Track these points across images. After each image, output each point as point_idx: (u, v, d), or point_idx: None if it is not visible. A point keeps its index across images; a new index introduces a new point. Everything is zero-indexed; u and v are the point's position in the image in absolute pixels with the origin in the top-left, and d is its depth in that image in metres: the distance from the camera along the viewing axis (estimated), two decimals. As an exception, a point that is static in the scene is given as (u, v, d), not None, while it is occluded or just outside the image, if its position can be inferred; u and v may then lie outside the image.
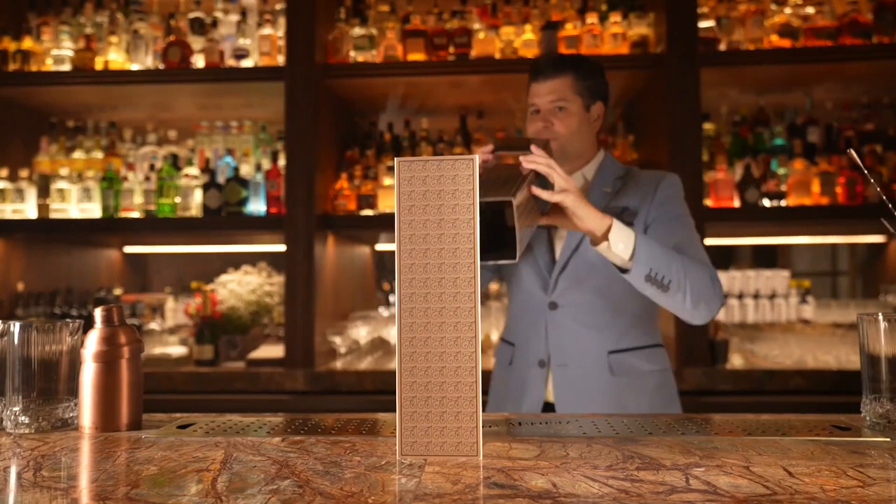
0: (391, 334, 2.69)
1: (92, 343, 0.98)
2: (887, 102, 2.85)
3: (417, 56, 2.67)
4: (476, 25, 2.72)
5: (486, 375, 1.73)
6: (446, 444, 0.83)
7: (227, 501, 0.65)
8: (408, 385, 0.84)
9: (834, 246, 3.36)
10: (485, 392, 1.73)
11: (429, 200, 0.86)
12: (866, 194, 2.56)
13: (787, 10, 2.64)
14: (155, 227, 2.73)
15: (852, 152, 1.02)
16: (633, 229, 1.41)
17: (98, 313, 0.99)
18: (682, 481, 0.72)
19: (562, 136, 1.56)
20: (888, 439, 0.91)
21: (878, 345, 0.97)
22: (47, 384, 0.99)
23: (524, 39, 2.66)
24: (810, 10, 2.62)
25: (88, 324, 0.99)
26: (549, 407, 1.58)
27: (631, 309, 1.59)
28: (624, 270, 1.41)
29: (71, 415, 1.01)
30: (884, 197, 1.05)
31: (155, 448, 0.87)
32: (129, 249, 3.57)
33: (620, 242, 1.37)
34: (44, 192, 2.78)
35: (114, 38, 2.80)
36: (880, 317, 0.97)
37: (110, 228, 2.77)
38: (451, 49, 2.67)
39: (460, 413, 0.84)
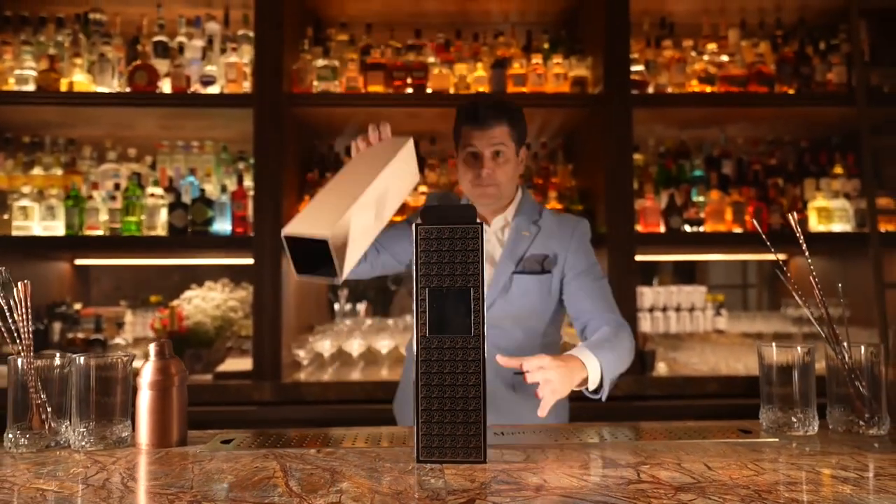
0: (352, 346, 2.89)
1: (147, 373, 1.16)
2: (788, 141, 3.28)
3: (377, 88, 2.88)
4: (431, 59, 2.96)
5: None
6: (457, 449, 1.05)
7: (309, 499, 0.86)
8: (424, 400, 1.06)
9: (744, 263, 3.79)
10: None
11: (443, 255, 1.09)
12: (770, 222, 2.96)
13: (706, 58, 3.01)
14: (122, 245, 2.82)
15: (756, 225, 1.31)
16: (594, 357, 1.44)
17: (152, 348, 1.18)
18: (635, 475, 0.98)
19: (502, 184, 1.71)
20: (777, 440, 1.21)
21: (772, 365, 1.27)
22: (105, 408, 1.16)
23: (476, 76, 2.93)
24: (725, 58, 3.00)
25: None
26: None
27: (540, 340, 1.76)
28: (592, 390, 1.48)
29: (126, 434, 1.19)
30: (765, 237, 1.36)
31: (216, 461, 1.07)
32: (80, 262, 3.61)
33: (594, 383, 1.45)
34: (0, 207, 2.83)
35: (78, 60, 2.88)
36: (773, 345, 1.27)
37: (77, 247, 2.85)
38: (409, 80, 2.90)
39: (468, 424, 1.05)
